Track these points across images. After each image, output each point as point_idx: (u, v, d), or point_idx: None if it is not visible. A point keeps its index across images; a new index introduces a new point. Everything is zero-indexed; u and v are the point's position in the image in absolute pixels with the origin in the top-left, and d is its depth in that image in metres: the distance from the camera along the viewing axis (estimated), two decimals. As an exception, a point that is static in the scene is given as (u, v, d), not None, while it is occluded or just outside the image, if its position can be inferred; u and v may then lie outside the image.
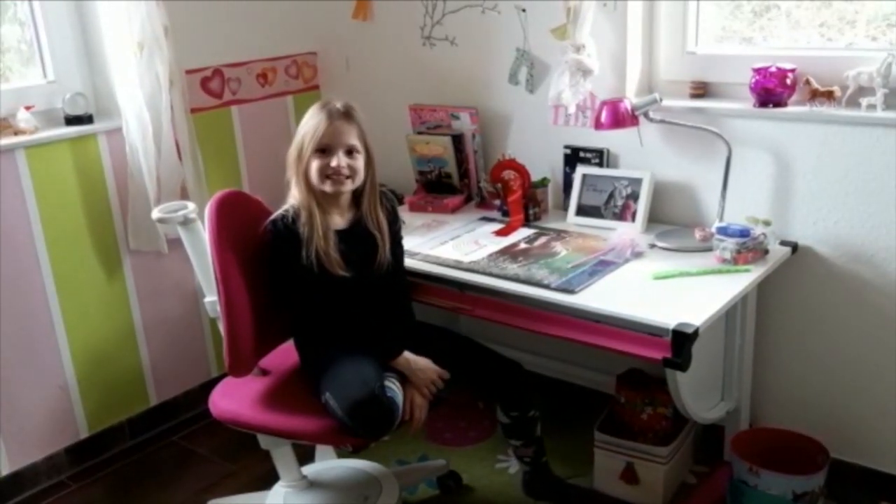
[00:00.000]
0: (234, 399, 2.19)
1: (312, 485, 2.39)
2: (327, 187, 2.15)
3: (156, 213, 2.24)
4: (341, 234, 2.18)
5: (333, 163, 2.12)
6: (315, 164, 2.12)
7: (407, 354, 2.14)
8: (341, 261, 2.14)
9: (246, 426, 2.16)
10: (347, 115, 2.15)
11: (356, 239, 2.20)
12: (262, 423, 2.13)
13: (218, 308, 2.15)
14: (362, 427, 2.00)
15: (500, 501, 2.48)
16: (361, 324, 2.17)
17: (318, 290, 2.13)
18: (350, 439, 2.12)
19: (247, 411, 2.15)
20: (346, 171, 2.13)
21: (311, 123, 2.14)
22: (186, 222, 2.20)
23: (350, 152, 2.15)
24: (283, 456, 2.32)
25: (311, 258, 2.10)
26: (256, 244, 2.16)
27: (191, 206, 2.22)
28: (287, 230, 2.11)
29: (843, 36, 2.35)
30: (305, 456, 2.60)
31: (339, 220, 2.21)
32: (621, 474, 2.43)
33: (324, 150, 2.12)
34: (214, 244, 2.08)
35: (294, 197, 2.18)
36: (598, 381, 2.81)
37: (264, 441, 2.26)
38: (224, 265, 2.08)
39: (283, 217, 2.14)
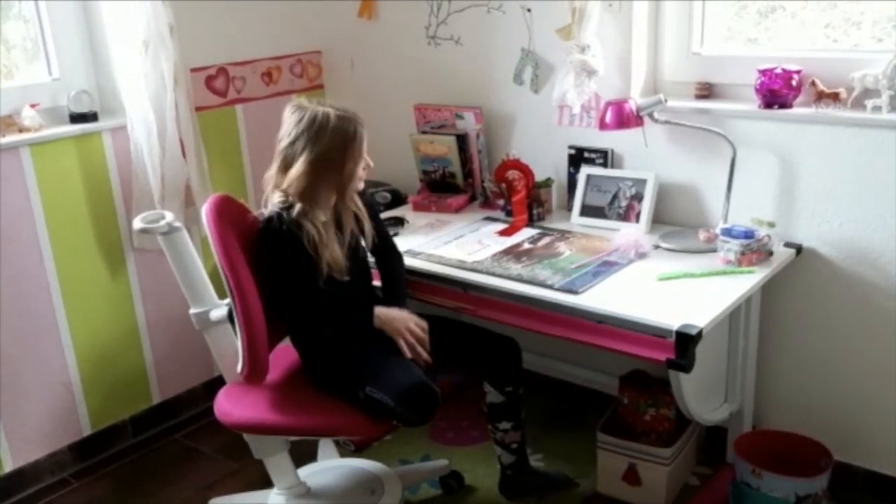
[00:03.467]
0: (249, 406, 2.16)
1: (310, 489, 2.38)
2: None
3: (138, 224, 2.18)
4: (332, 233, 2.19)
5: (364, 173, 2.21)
6: (357, 177, 2.18)
7: (377, 309, 2.18)
8: (341, 258, 2.15)
9: (272, 431, 2.15)
10: None
11: (344, 235, 2.22)
12: (292, 425, 2.13)
13: (211, 317, 2.18)
14: (415, 412, 2.05)
15: (503, 502, 2.47)
16: (365, 314, 2.18)
17: (324, 287, 2.12)
18: (389, 428, 2.15)
19: (271, 416, 2.12)
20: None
21: (360, 139, 2.15)
22: (170, 231, 2.15)
23: None
24: (278, 463, 2.29)
25: (318, 259, 2.10)
26: (251, 249, 2.15)
27: (169, 215, 2.17)
28: (288, 229, 2.09)
29: (849, 37, 2.34)
30: (308, 455, 2.60)
31: (323, 217, 2.21)
32: (624, 475, 2.43)
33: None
34: (221, 248, 2.07)
35: (300, 198, 2.11)
36: (601, 382, 2.81)
37: (259, 450, 2.25)
38: (235, 271, 2.06)
39: (279, 215, 2.10)
